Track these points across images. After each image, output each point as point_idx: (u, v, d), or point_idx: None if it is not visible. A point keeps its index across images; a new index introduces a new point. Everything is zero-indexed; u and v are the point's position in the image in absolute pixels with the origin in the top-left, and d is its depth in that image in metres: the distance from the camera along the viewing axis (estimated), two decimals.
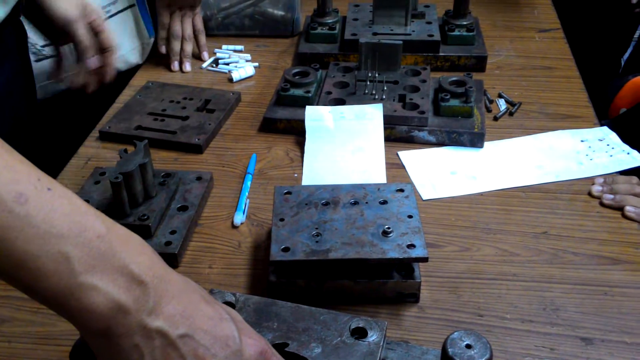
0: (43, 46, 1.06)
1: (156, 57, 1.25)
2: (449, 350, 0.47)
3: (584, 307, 0.70)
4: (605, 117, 1.10)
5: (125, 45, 1.17)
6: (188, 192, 0.84)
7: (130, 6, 1.17)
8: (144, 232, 0.76)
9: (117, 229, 0.43)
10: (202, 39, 1.22)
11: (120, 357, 0.42)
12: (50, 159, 1.09)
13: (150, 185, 0.79)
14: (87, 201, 0.81)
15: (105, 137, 1.00)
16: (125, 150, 0.79)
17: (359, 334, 0.55)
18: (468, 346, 0.48)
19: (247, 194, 0.88)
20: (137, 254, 0.43)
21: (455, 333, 0.48)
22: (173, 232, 0.77)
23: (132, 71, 1.20)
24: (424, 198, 0.87)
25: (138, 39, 1.20)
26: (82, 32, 0.92)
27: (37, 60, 1.06)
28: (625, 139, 0.97)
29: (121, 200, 0.76)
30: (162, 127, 0.99)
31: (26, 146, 1.28)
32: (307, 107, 1.00)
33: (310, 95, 1.03)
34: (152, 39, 1.22)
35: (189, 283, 0.47)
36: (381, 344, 0.53)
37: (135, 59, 1.21)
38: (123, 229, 0.44)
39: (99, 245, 0.41)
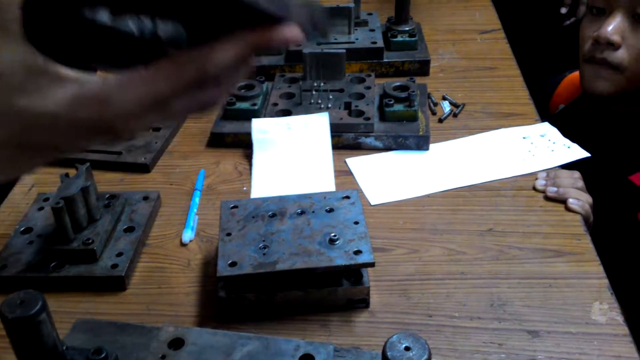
0: None
1: None
2: (388, 353, 0.47)
3: (529, 301, 0.71)
4: (545, 114, 1.12)
5: None
6: (134, 212, 0.83)
7: None
8: (89, 256, 0.75)
9: None
10: None
11: None
12: None
13: (94, 208, 0.78)
14: (31, 229, 0.81)
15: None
16: (67, 175, 0.78)
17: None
18: (407, 348, 0.48)
19: (195, 210, 0.87)
20: None
21: (394, 336, 0.49)
22: (119, 255, 0.76)
23: None
24: (372, 203, 0.88)
25: None
26: None
27: None
28: (565, 135, 0.99)
29: (64, 226, 0.74)
30: (106, 148, 0.98)
31: None
32: (254, 119, 1.00)
33: (256, 107, 1.03)
34: None
35: None
36: None
37: None
38: None
39: None
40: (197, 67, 0.38)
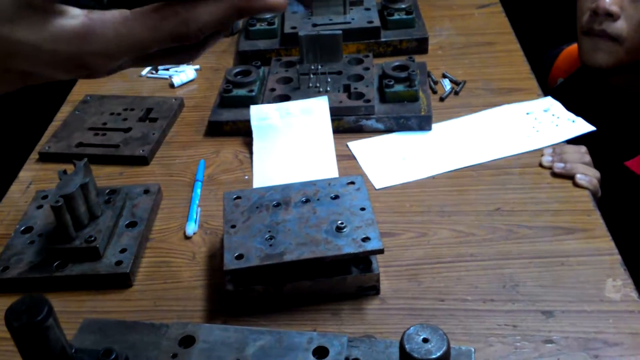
0: None
1: None
2: (406, 346, 0.46)
3: (542, 280, 0.70)
4: (544, 88, 1.11)
5: None
6: (136, 207, 0.82)
7: None
8: (92, 254, 0.73)
9: None
10: None
11: None
12: None
13: (95, 204, 0.76)
14: (32, 228, 0.79)
15: (46, 157, 0.97)
16: (65, 171, 0.76)
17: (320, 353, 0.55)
18: (425, 340, 0.47)
19: (197, 202, 0.86)
20: None
21: (412, 328, 0.48)
22: (123, 251, 0.75)
23: (67, 86, 1.16)
24: (377, 187, 0.87)
25: None
26: None
27: None
28: (567, 109, 0.98)
29: (65, 224, 0.73)
30: (104, 142, 0.96)
31: None
32: (252, 106, 0.98)
33: (253, 94, 1.01)
34: None
35: None
36: None
37: None
38: None
39: None
40: (180, 21, 0.39)
